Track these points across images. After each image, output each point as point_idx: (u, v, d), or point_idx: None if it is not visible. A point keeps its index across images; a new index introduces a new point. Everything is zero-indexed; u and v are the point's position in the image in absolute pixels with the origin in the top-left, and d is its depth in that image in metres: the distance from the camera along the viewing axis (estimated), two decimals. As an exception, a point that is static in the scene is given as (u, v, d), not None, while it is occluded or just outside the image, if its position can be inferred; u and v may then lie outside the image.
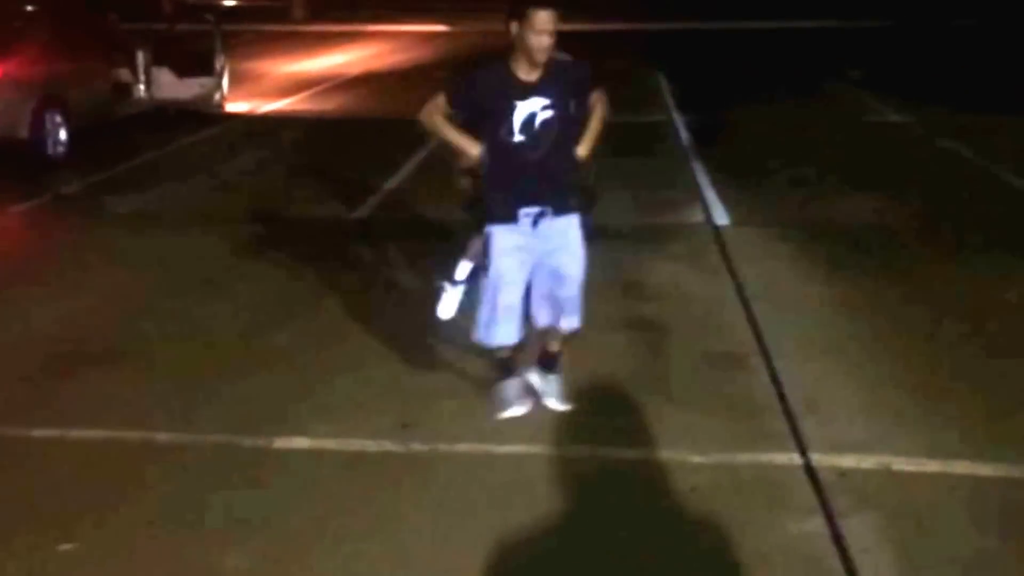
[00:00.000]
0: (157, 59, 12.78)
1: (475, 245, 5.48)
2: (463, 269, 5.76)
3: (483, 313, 4.38)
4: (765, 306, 6.00)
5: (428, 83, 14.95)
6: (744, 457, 4.29)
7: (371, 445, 4.40)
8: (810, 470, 4.14)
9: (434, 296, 5.83)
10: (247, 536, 3.70)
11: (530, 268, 4.34)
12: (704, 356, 5.32)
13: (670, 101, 14.78)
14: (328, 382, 5.03)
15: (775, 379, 5.00)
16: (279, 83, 17.37)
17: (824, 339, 5.56)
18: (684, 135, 12.04)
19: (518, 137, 4.12)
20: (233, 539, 3.68)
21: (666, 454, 4.30)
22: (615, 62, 15.77)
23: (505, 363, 4.68)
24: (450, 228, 6.70)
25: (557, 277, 4.36)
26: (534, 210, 4.22)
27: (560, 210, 4.28)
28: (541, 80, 4.10)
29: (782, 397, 4.80)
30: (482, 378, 4.95)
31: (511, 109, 4.08)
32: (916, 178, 9.56)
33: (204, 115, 13.39)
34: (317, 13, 35.07)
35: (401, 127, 12.23)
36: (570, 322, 4.52)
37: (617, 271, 6.56)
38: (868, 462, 4.19)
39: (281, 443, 4.42)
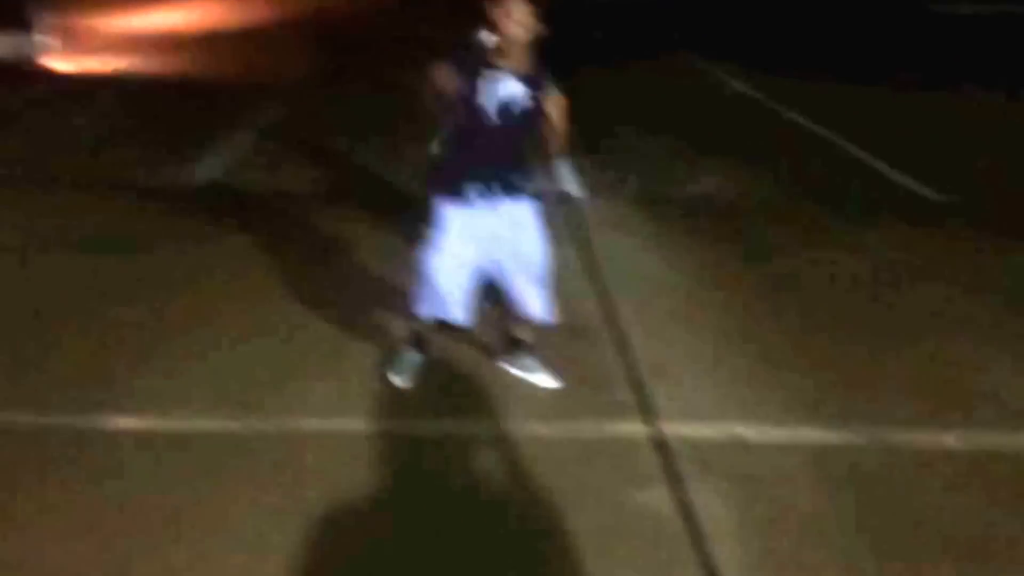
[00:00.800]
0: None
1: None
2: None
3: (433, 292, 4.33)
4: (614, 276, 6.05)
5: (271, 43, 14.71)
6: (590, 427, 4.31)
7: (207, 424, 4.22)
8: (657, 439, 4.19)
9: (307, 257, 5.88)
10: (57, 522, 3.51)
11: (483, 253, 4.28)
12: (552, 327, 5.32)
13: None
14: (171, 362, 4.80)
15: (623, 349, 5.05)
16: (112, 40, 16.52)
17: (672, 309, 5.64)
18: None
19: (487, 122, 4.04)
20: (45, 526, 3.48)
21: (511, 425, 4.29)
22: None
23: (420, 337, 4.67)
24: (294, 197, 6.50)
25: (518, 263, 4.34)
26: (487, 189, 4.17)
27: (509, 190, 4.22)
28: (520, 66, 4.02)
29: (629, 367, 4.85)
30: (324, 357, 4.87)
31: (485, 90, 4.00)
32: (760, 149, 9.83)
33: (24, 72, 12.65)
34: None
35: (238, 90, 12.00)
36: (539, 311, 4.49)
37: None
38: (715, 430, 4.27)
39: (109, 424, 4.20)
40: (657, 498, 3.78)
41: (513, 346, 4.80)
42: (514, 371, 4.74)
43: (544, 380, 4.68)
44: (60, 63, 13.74)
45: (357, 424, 4.26)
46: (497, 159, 4.17)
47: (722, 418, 4.38)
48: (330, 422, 4.28)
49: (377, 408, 4.39)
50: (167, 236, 6.58)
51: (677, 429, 4.27)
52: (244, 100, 11.22)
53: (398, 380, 4.60)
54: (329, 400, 4.47)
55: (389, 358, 4.70)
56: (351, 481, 3.84)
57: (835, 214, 7.62)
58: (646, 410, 4.43)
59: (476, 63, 4.02)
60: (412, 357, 4.69)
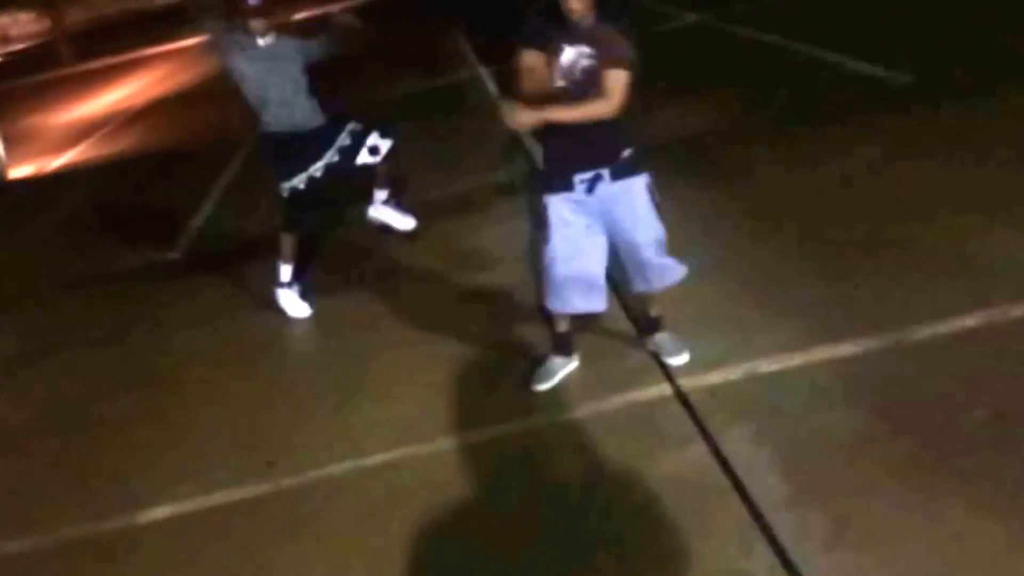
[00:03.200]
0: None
1: (285, 244, 5.95)
2: (284, 271, 6.01)
3: (549, 284, 4.29)
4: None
5: (217, 100, 14.70)
6: (617, 400, 4.34)
7: (237, 493, 4.29)
8: (681, 396, 4.24)
9: (275, 309, 5.96)
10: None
11: (596, 234, 4.22)
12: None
13: (473, 57, 14.76)
14: (180, 442, 4.87)
15: (626, 307, 5.05)
16: (61, 134, 16.65)
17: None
18: (494, 87, 12.02)
19: (558, 83, 3.97)
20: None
21: (540, 419, 4.33)
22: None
23: (562, 338, 4.60)
24: (266, 248, 6.56)
25: (628, 245, 4.26)
26: (588, 174, 4.11)
27: (617, 174, 4.13)
28: (586, 30, 3.93)
29: (637, 326, 4.85)
30: (336, 399, 4.94)
31: (559, 50, 3.94)
32: (722, 74, 9.83)
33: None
34: (86, 50, 33.72)
35: (198, 154, 12.07)
36: (659, 282, 4.39)
37: (446, 243, 6.55)
38: (735, 373, 4.31)
39: (141, 518, 4.26)
40: (692, 455, 3.82)
41: (646, 326, 4.68)
42: (651, 350, 4.63)
43: (681, 358, 4.51)
44: (23, 169, 13.88)
45: (383, 456, 4.32)
46: (586, 135, 4.03)
47: (739, 358, 4.40)
48: (356, 461, 4.33)
49: (396, 437, 4.45)
50: (155, 318, 6.67)
51: (699, 381, 4.31)
52: (209, 159, 11.29)
53: (543, 386, 4.53)
54: (351, 438, 4.52)
55: (532, 368, 4.62)
56: (396, 513, 3.88)
57: (805, 120, 7.65)
58: (664, 369, 4.46)
59: (541, 25, 3.97)
60: (559, 362, 4.60)
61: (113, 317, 6.88)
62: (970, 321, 4.29)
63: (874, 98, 7.82)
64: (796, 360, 4.30)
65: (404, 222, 6.42)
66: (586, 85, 3.95)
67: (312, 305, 6.06)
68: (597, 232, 4.22)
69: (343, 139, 5.88)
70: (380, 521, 3.85)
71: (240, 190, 9.58)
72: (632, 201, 4.17)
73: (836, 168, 6.47)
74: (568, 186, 4.14)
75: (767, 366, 4.30)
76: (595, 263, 4.25)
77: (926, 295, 4.59)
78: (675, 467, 3.79)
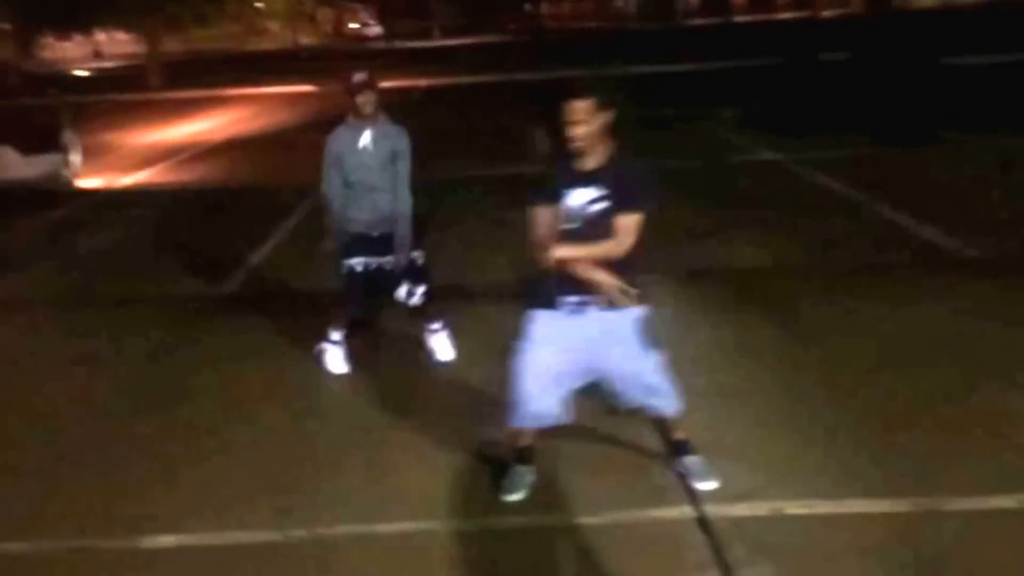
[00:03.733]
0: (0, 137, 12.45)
1: (339, 313, 6.06)
2: (335, 333, 6.11)
3: (521, 401, 4.37)
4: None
5: (294, 149, 15.13)
6: (637, 514, 4.32)
7: (245, 536, 4.29)
8: (703, 522, 4.20)
9: (315, 361, 6.08)
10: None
11: (571, 361, 4.29)
12: (592, 408, 5.34)
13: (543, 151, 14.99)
14: (199, 473, 4.90)
15: (663, 428, 5.04)
16: (136, 154, 17.08)
17: (710, 385, 5.64)
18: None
19: (568, 224, 4.13)
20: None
21: (558, 519, 4.32)
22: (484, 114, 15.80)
23: (522, 452, 4.60)
24: (318, 300, 6.66)
25: (621, 373, 4.37)
26: (575, 299, 4.20)
27: (610, 303, 4.18)
28: (597, 170, 4.12)
29: (670, 447, 4.84)
30: (358, 459, 4.96)
31: (563, 195, 4.12)
32: (791, 215, 9.89)
33: (55, 194, 13.05)
34: (175, 79, 34.75)
35: (267, 196, 12.34)
36: (664, 404, 4.51)
37: (498, 331, 6.57)
38: (761, 509, 4.28)
39: (147, 543, 4.27)
40: (708, 583, 3.79)
41: (676, 448, 4.67)
42: (679, 473, 4.60)
43: (708, 484, 4.47)
44: (92, 181, 14.21)
45: (397, 526, 4.31)
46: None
47: (766, 495, 4.37)
48: (368, 526, 4.32)
49: (414, 508, 4.44)
50: (202, 345, 6.80)
51: (723, 510, 4.28)
52: (278, 203, 11.51)
53: (512, 497, 4.49)
54: (367, 502, 4.53)
55: (498, 478, 4.60)
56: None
57: (862, 272, 7.71)
58: (690, 492, 4.44)
59: (561, 173, 4.14)
60: (522, 471, 4.58)
61: (160, 337, 6.99)
62: (1008, 502, 4.23)
63: (938, 265, 7.84)
64: (825, 508, 4.26)
65: (445, 351, 6.30)
66: (597, 225, 4.10)
67: (352, 366, 6.13)
68: (572, 360, 4.29)
69: (403, 258, 5.88)
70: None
71: (304, 238, 9.72)
72: (620, 332, 4.26)
73: (890, 325, 6.47)
74: (552, 304, 4.23)
75: (795, 508, 4.26)
76: (562, 384, 4.33)
77: (966, 466, 4.55)
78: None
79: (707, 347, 6.31)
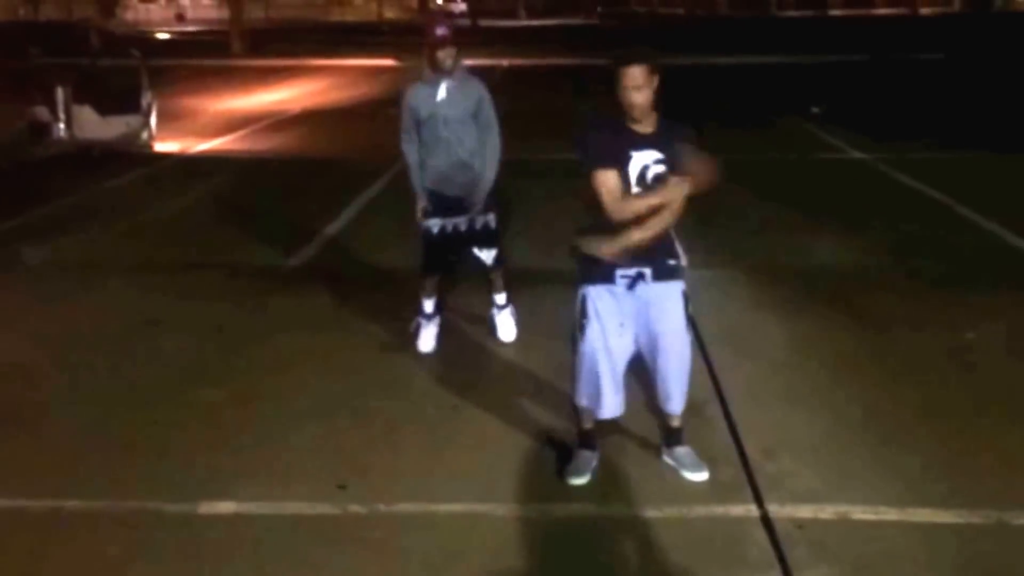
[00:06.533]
0: (79, 96, 12.72)
1: (422, 282, 6.07)
2: (427, 303, 6.14)
3: (584, 383, 4.46)
4: (722, 351, 6.08)
5: (373, 121, 15.28)
6: (700, 510, 4.34)
7: (305, 508, 4.38)
8: (767, 522, 4.20)
9: (403, 336, 6.18)
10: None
11: (626, 335, 4.38)
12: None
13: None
14: (260, 442, 5.01)
15: (732, 427, 5.07)
16: (214, 121, 17.38)
17: (782, 385, 5.64)
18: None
19: (634, 189, 4.22)
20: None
21: (620, 509, 4.35)
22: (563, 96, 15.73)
23: (585, 436, 4.67)
24: (393, 275, 6.73)
25: (653, 350, 4.43)
26: (632, 271, 4.28)
27: (660, 275, 4.32)
28: (652, 134, 4.23)
29: (739, 446, 4.87)
30: (419, 437, 5.03)
31: (627, 159, 4.21)
32: (875, 216, 9.75)
33: (131, 156, 13.33)
34: (256, 47, 35.25)
35: (344, 168, 12.48)
36: (673, 404, 4.58)
37: (561, 314, 6.61)
38: (826, 512, 4.26)
39: (207, 508, 4.38)
40: (768, 584, 3.79)
41: (668, 438, 4.74)
42: (667, 462, 4.69)
43: (698, 475, 4.58)
44: (169, 145, 14.51)
45: (456, 507, 4.37)
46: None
47: (833, 498, 4.36)
48: (427, 505, 4.39)
49: (476, 492, 4.50)
50: (266, 314, 6.95)
51: (788, 511, 4.27)
52: (354, 176, 11.64)
53: (577, 481, 4.53)
54: (426, 481, 4.59)
55: (562, 463, 4.67)
56: (458, 567, 3.94)
57: (945, 278, 7.59)
58: (756, 491, 4.44)
59: (611, 134, 4.21)
60: (587, 456, 4.64)
61: (226, 306, 7.14)
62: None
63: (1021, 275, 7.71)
64: (891, 515, 4.24)
65: (508, 331, 6.35)
66: (653, 189, 4.20)
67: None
68: (627, 333, 4.36)
69: (478, 220, 5.96)
70: (439, 571, 3.90)
71: (380, 212, 9.85)
72: (668, 305, 4.34)
73: (970, 335, 6.37)
74: (609, 278, 4.27)
75: (860, 514, 4.24)
76: (621, 364, 4.42)
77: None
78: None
79: (780, 346, 6.28)
